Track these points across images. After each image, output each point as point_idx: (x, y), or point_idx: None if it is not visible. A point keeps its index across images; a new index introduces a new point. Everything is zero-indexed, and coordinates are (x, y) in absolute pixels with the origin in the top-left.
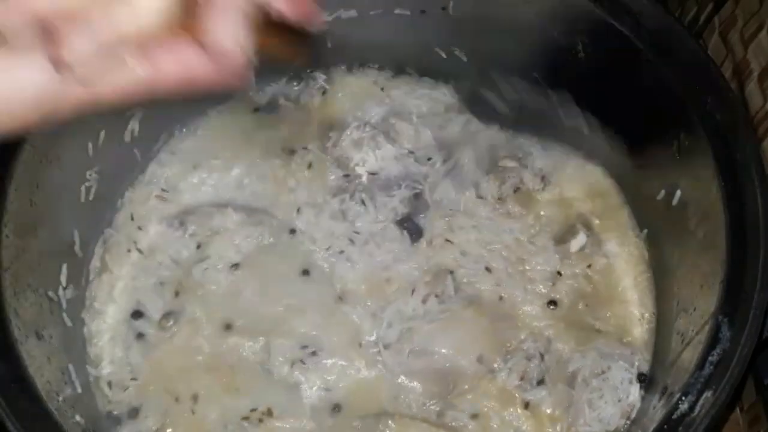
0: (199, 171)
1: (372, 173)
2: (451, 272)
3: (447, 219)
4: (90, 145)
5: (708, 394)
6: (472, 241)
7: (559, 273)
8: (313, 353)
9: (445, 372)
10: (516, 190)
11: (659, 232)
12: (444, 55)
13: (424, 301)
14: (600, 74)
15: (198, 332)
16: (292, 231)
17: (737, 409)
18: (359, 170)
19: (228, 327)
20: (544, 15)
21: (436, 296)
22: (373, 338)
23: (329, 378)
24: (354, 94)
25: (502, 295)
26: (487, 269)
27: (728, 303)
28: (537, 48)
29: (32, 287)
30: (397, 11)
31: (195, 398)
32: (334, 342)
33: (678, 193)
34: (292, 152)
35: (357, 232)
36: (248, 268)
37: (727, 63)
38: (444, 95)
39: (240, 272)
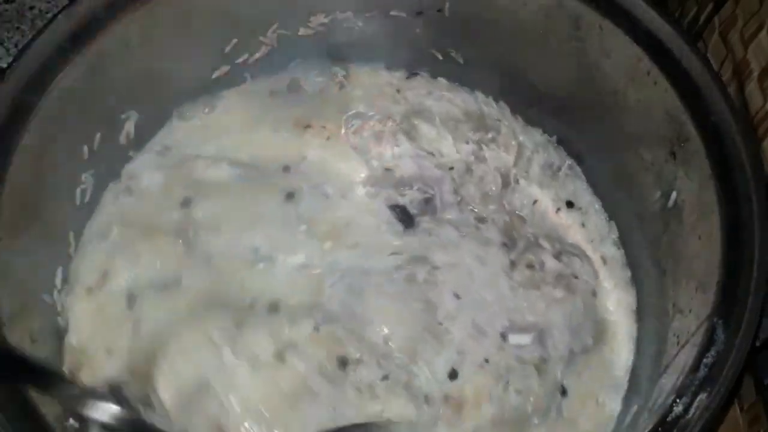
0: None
1: (387, 169)
2: (435, 267)
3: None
4: (86, 148)
5: (702, 396)
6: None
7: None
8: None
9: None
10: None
11: (655, 233)
12: (440, 57)
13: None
14: (596, 75)
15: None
16: (286, 168)
17: (737, 409)
18: (374, 164)
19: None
20: (541, 17)
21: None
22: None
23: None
24: (370, 92)
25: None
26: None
27: (723, 305)
28: (534, 50)
29: (27, 291)
30: (393, 13)
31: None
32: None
33: (674, 194)
34: (307, 127)
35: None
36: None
37: (727, 63)
38: (463, 101)
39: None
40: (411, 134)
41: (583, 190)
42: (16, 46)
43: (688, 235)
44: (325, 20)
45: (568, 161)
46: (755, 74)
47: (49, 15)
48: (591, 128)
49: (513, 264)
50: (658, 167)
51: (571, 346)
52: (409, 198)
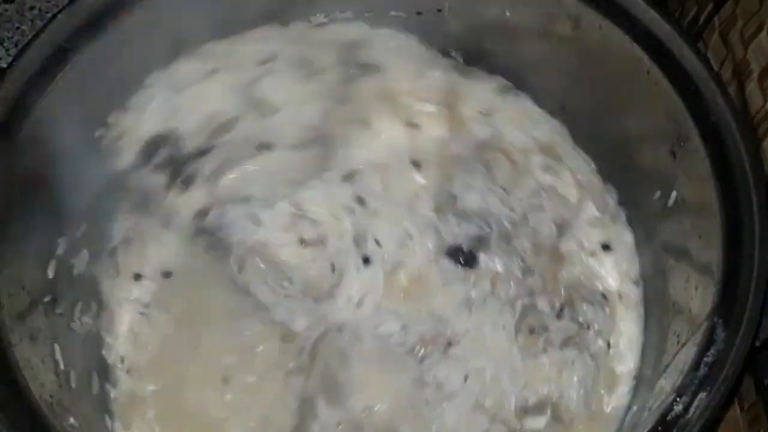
0: None
1: (452, 195)
2: (449, 344)
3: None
4: None
5: (702, 395)
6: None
7: None
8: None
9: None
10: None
11: (655, 233)
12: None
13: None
14: (595, 75)
15: None
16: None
17: (737, 409)
18: (445, 187)
19: None
20: (541, 17)
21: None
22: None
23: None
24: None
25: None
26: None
27: (723, 304)
28: (533, 51)
29: (26, 290)
30: (392, 13)
31: None
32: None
33: (674, 194)
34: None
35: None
36: None
37: (727, 63)
38: (533, 125)
39: None
40: (490, 165)
41: (623, 228)
42: (16, 46)
43: (688, 235)
44: (325, 20)
45: (611, 199)
46: (755, 74)
47: (49, 15)
48: (591, 128)
49: (517, 329)
50: (658, 167)
51: (587, 408)
52: (464, 231)
